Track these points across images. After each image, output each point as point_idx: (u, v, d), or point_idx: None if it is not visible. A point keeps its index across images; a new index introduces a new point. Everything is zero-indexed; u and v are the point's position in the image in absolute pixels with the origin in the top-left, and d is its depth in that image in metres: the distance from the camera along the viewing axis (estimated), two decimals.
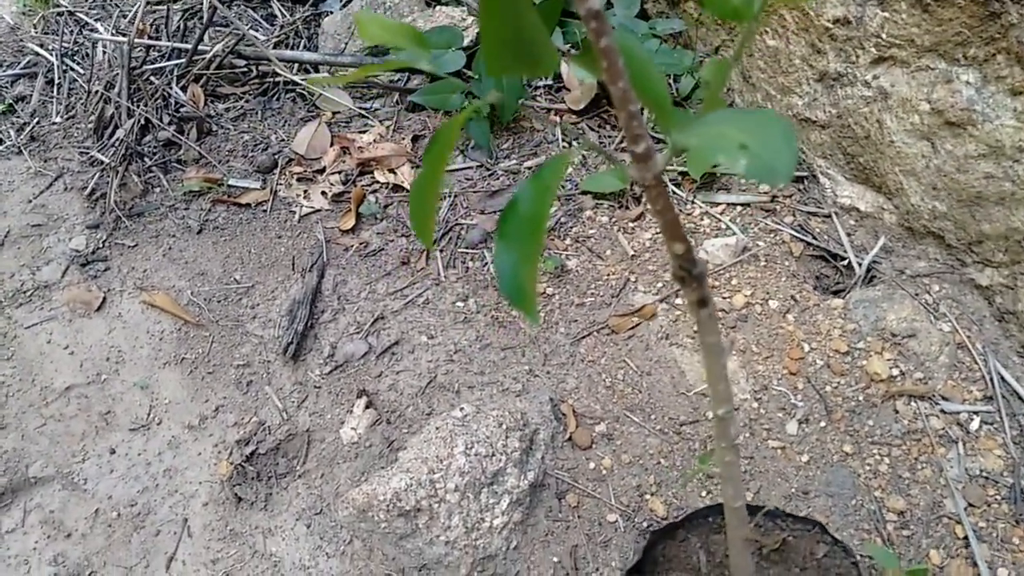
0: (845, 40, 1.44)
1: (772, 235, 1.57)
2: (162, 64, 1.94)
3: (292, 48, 2.15)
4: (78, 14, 2.29)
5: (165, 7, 2.19)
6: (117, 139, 1.81)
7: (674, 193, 1.72)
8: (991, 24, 1.19)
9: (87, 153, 1.86)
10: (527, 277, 0.39)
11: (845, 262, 1.53)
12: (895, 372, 1.34)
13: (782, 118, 0.34)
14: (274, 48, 2.14)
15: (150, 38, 2.02)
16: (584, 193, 1.74)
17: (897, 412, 1.31)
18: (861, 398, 1.33)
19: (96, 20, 2.28)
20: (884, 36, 1.36)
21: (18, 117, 2.03)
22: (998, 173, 1.27)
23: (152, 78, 1.92)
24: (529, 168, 1.82)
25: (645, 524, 1.23)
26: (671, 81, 1.93)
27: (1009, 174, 1.25)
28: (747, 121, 0.34)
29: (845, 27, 1.43)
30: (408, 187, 1.78)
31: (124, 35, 2.16)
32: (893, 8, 1.33)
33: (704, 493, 1.26)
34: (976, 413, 1.31)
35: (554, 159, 0.39)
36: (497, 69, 0.41)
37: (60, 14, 2.28)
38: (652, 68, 0.40)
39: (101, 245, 1.67)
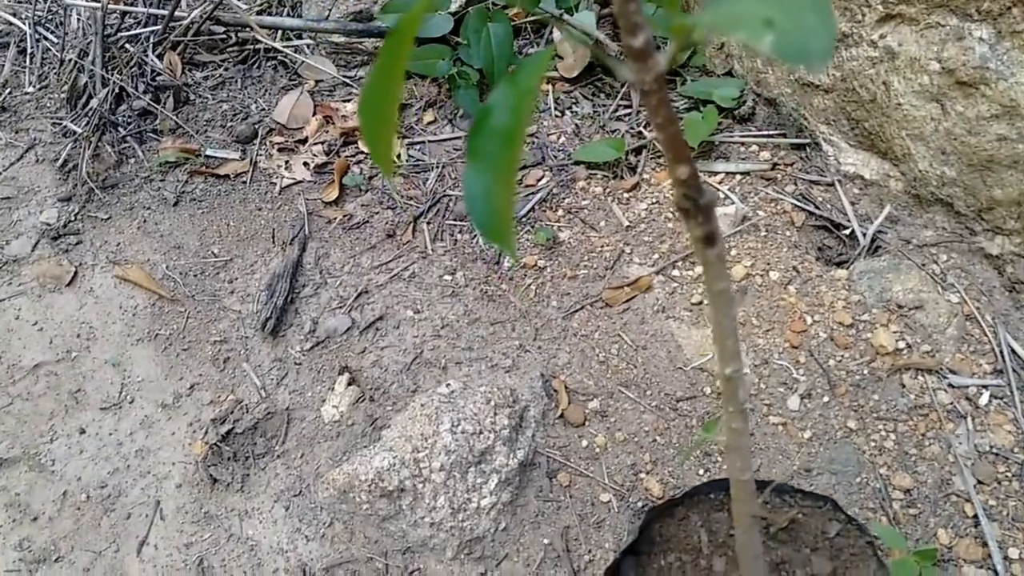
0: None
1: (773, 204, 1.51)
2: (138, 31, 1.86)
3: (275, 15, 2.07)
4: None
5: None
6: (91, 109, 1.74)
7: None
8: None
9: (60, 123, 1.78)
10: (503, 202, 0.33)
11: (848, 231, 1.47)
12: (901, 345, 1.29)
13: None
14: (257, 15, 2.05)
15: (125, 4, 1.93)
16: (577, 163, 1.67)
17: (903, 386, 1.25)
18: (866, 372, 1.27)
19: None
20: None
21: None
22: (1012, 135, 1.20)
23: (127, 45, 1.84)
24: None
25: (640, 504, 1.17)
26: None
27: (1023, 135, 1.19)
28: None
29: None
30: (394, 159, 1.71)
31: (98, 1, 2.07)
32: None
33: (702, 471, 1.20)
34: (985, 387, 1.25)
35: (533, 57, 0.33)
36: None
37: None
38: None
39: (73, 218, 1.59)
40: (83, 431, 1.29)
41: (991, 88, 1.20)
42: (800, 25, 0.26)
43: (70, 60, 1.85)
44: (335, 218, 1.61)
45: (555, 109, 1.80)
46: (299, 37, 1.91)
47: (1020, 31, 1.14)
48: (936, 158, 1.34)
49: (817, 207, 1.51)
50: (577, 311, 1.40)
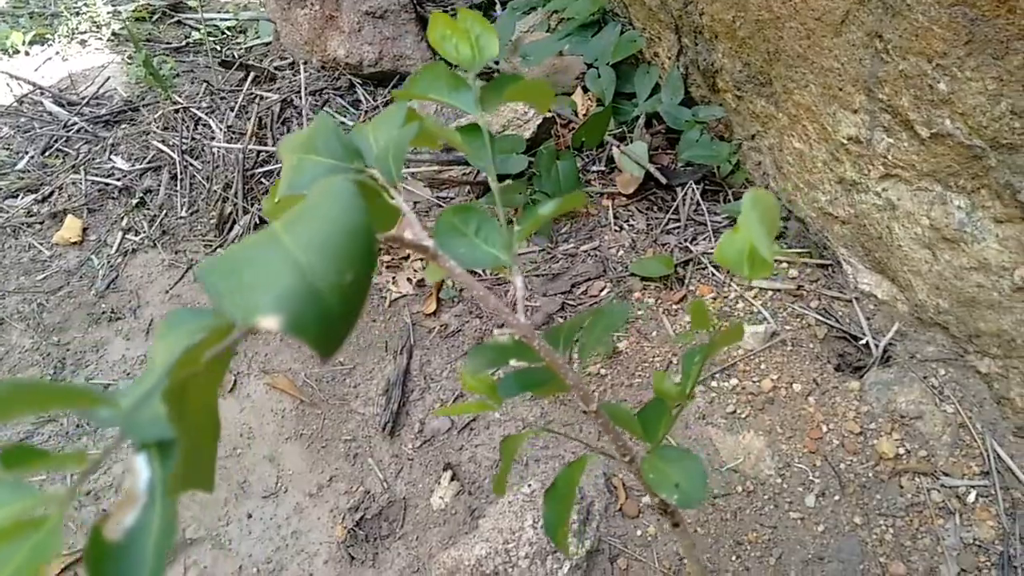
0: (858, 156, 1.66)
1: (799, 319, 1.80)
2: (272, 166, 2.27)
3: None
4: (192, 109, 2.64)
5: (268, 105, 2.52)
6: (236, 235, 2.15)
7: (713, 275, 1.95)
8: (975, 163, 1.40)
9: (211, 246, 2.20)
10: (561, 526, 0.66)
11: (864, 342, 1.75)
12: (901, 451, 1.56)
13: (701, 465, 0.60)
14: None
15: (258, 140, 2.34)
16: (632, 275, 1.99)
17: (902, 487, 1.53)
18: (871, 475, 1.55)
19: (208, 114, 2.63)
20: (890, 158, 1.57)
21: (148, 210, 2.39)
22: (987, 284, 1.47)
23: (263, 179, 2.25)
24: (585, 251, 2.08)
25: None
26: (716, 168, 2.15)
27: (996, 286, 1.45)
28: (679, 465, 0.60)
29: (858, 145, 1.64)
30: (480, 273, 2.06)
31: (232, 130, 2.50)
32: (897, 136, 1.54)
33: (734, 558, 1.51)
34: (974, 487, 1.52)
35: (576, 463, 0.66)
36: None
37: (177, 111, 2.64)
38: (630, 418, 0.66)
39: None
40: (250, 516, 1.68)
41: (968, 247, 1.47)
42: (691, 488, 0.59)
43: (216, 191, 2.28)
44: (434, 328, 1.97)
45: (614, 224, 2.12)
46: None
47: (988, 206, 1.41)
48: (932, 292, 1.60)
49: (838, 321, 1.79)
50: None
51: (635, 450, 0.69)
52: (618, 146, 2.15)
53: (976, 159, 1.39)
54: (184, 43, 3.66)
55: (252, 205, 2.17)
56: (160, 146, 2.55)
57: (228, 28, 3.75)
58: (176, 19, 3.93)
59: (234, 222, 2.19)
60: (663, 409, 0.68)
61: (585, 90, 2.46)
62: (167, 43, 3.66)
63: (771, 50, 1.81)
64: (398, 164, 0.56)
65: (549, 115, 2.27)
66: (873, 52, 1.51)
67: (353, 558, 1.59)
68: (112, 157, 2.60)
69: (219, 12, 3.94)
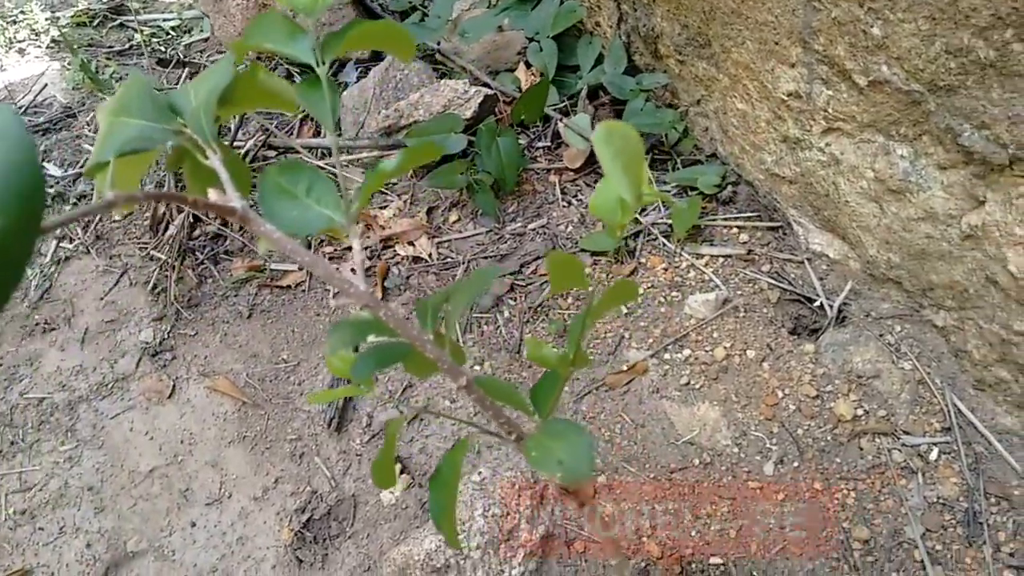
0: (799, 111, 1.60)
1: (751, 284, 1.74)
2: None
3: (315, 121, 2.38)
4: None
5: None
6: (171, 236, 2.06)
7: (663, 245, 1.89)
8: (915, 109, 1.34)
9: (145, 249, 2.12)
10: (448, 513, 0.60)
11: (818, 304, 1.70)
12: (859, 412, 1.51)
13: (587, 438, 0.54)
14: (300, 121, 2.37)
15: None
16: (583, 250, 1.93)
17: (862, 449, 1.48)
18: (829, 438, 1.50)
19: None
20: (830, 111, 1.52)
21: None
22: (936, 234, 1.42)
23: None
24: (534, 229, 2.01)
25: (643, 564, 1.43)
26: (664, 137, 2.09)
27: (945, 236, 1.40)
28: (564, 440, 0.54)
29: (798, 100, 1.59)
30: (426, 258, 1.99)
31: None
32: (836, 88, 1.48)
33: (694, 532, 1.46)
34: (935, 444, 1.47)
35: (457, 446, 0.60)
36: None
37: None
38: (509, 390, 0.60)
39: (166, 336, 1.92)
40: (194, 524, 1.61)
41: (914, 197, 1.42)
42: (575, 463, 0.53)
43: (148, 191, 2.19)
44: None
45: (562, 200, 2.06)
46: (346, 152, 2.21)
47: (931, 153, 1.36)
48: (882, 246, 1.55)
49: (791, 283, 1.74)
50: (585, 395, 1.66)
51: (527, 427, 0.63)
52: (562, 120, 2.09)
53: (915, 104, 1.34)
54: (127, 46, 3.54)
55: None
56: (92, 149, 2.45)
57: (172, 28, 3.64)
58: (118, 22, 3.80)
59: (169, 222, 2.11)
60: (556, 381, 0.62)
61: (528, 65, 2.39)
62: (109, 47, 3.55)
63: (706, 9, 1.74)
64: (209, 120, 0.49)
65: (491, 92, 2.20)
66: (805, 1, 1.45)
67: (301, 561, 1.53)
68: (45, 164, 2.51)
69: (163, 13, 3.83)
